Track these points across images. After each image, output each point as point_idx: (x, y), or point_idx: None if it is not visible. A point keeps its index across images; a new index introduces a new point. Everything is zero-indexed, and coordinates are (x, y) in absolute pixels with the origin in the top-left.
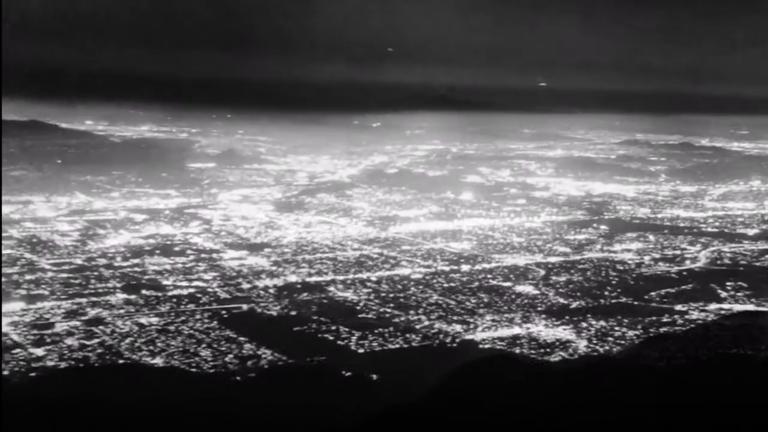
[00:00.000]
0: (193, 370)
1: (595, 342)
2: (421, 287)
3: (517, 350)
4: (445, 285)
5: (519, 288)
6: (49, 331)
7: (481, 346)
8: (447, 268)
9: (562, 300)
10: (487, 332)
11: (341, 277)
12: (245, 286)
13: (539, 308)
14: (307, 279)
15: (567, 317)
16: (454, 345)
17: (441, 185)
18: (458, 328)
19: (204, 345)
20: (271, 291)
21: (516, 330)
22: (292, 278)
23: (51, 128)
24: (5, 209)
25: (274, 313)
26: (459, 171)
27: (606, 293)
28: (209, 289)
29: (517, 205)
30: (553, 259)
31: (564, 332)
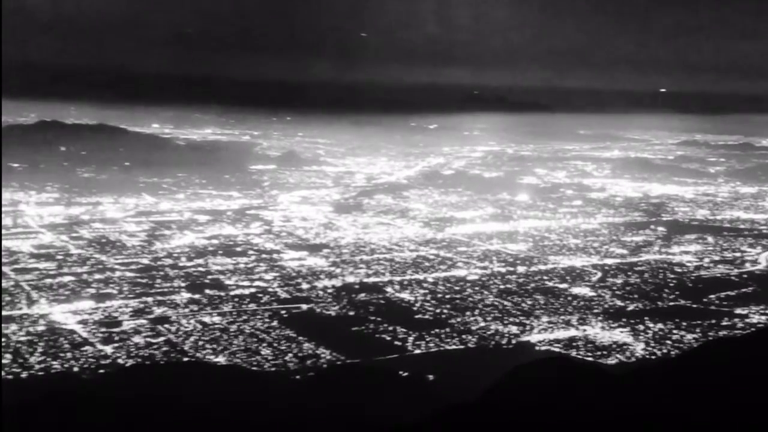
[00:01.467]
0: (254, 368)
1: (652, 345)
2: (477, 288)
3: (574, 352)
4: (501, 286)
5: (575, 290)
6: (117, 329)
7: (537, 347)
8: (503, 270)
9: (619, 302)
10: (543, 334)
11: (398, 278)
12: (305, 286)
13: (596, 310)
14: (365, 279)
15: (624, 320)
16: (510, 346)
17: (497, 186)
18: (514, 329)
19: (265, 344)
20: (330, 291)
21: (572, 332)
22: (350, 279)
23: (119, 131)
24: (76, 210)
25: (333, 313)
26: (515, 172)
27: (664, 296)
28: (270, 289)
29: (574, 207)
30: (609, 261)
31: (621, 335)
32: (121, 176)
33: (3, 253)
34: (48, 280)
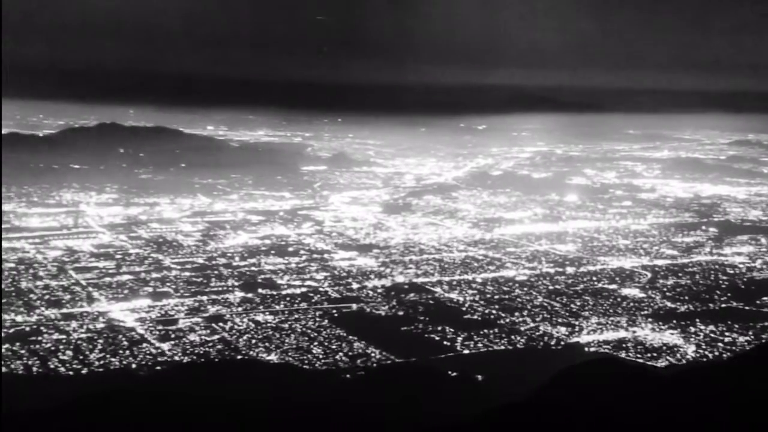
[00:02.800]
0: (306, 367)
1: (704, 347)
2: (525, 289)
3: (623, 354)
4: (550, 287)
5: (625, 291)
6: (173, 327)
7: (586, 349)
8: (552, 270)
9: (669, 304)
10: (592, 335)
11: (447, 279)
12: (355, 286)
13: (645, 312)
14: (414, 280)
15: (674, 321)
16: (559, 347)
17: (546, 187)
18: (563, 330)
19: (316, 343)
20: (380, 291)
21: (622, 333)
22: (400, 279)
23: (175, 133)
24: (135, 210)
25: (383, 313)
26: (564, 173)
27: (716, 297)
28: (321, 289)
29: (623, 207)
30: (660, 262)
31: (671, 337)
32: (177, 177)
33: (65, 251)
34: (107, 279)
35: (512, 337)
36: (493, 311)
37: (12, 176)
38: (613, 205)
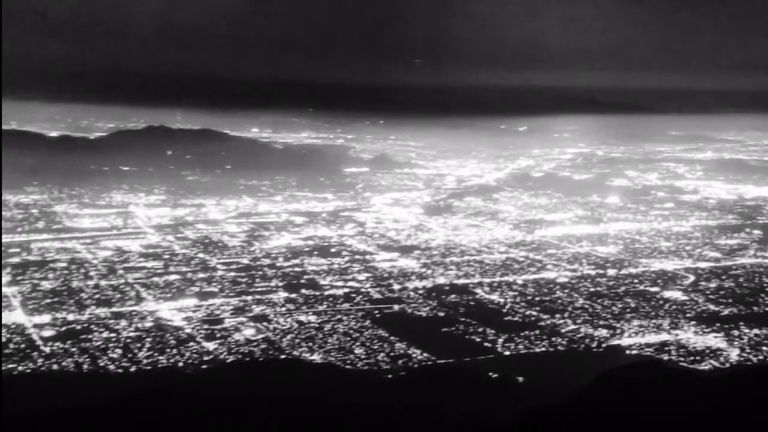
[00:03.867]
0: (348, 367)
1: (748, 351)
2: (566, 291)
3: (665, 357)
4: (591, 289)
5: (667, 293)
6: (218, 326)
7: (627, 351)
8: (593, 272)
9: (712, 306)
10: (633, 338)
11: (488, 280)
12: (396, 287)
13: (688, 314)
14: (455, 281)
15: (718, 324)
16: (600, 350)
17: (587, 188)
18: (604, 332)
19: (358, 343)
20: (421, 292)
21: (664, 336)
22: (441, 280)
23: (221, 136)
24: (181, 211)
25: (424, 314)
26: (605, 174)
27: (760, 301)
28: (363, 290)
29: (665, 209)
30: (703, 265)
31: (714, 340)
32: (223, 179)
33: (115, 251)
34: (155, 279)
35: (553, 339)
36: (534, 313)
37: (63, 178)
38: (655, 206)
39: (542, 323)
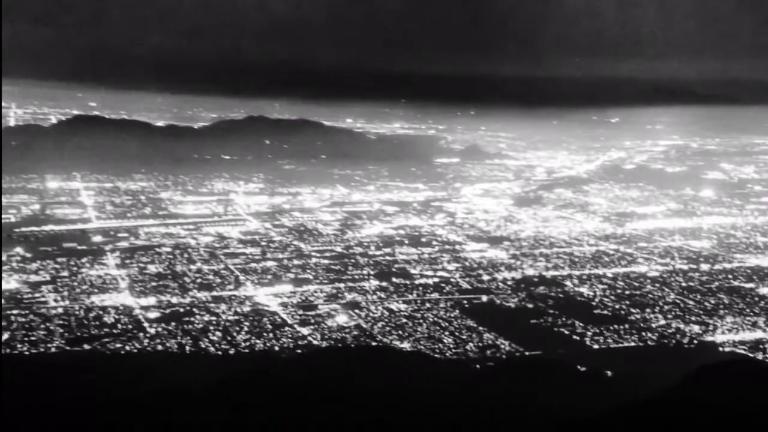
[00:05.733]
0: (437, 356)
1: None
2: (657, 285)
3: (760, 355)
4: (683, 284)
5: (763, 290)
6: (312, 312)
7: (720, 348)
8: (685, 267)
9: None
10: (727, 335)
11: (577, 272)
12: (485, 277)
13: None
14: (544, 273)
15: None
16: (692, 346)
17: (680, 181)
18: (696, 328)
19: (447, 333)
20: (510, 283)
21: (759, 334)
22: (530, 272)
23: (317, 126)
24: (279, 199)
25: (512, 305)
26: (699, 167)
27: None
28: (452, 279)
29: (762, 203)
30: None
31: None
32: (318, 168)
33: (216, 237)
34: (253, 265)
35: (643, 333)
36: (624, 307)
37: (169, 166)
38: (751, 200)
39: (632, 317)
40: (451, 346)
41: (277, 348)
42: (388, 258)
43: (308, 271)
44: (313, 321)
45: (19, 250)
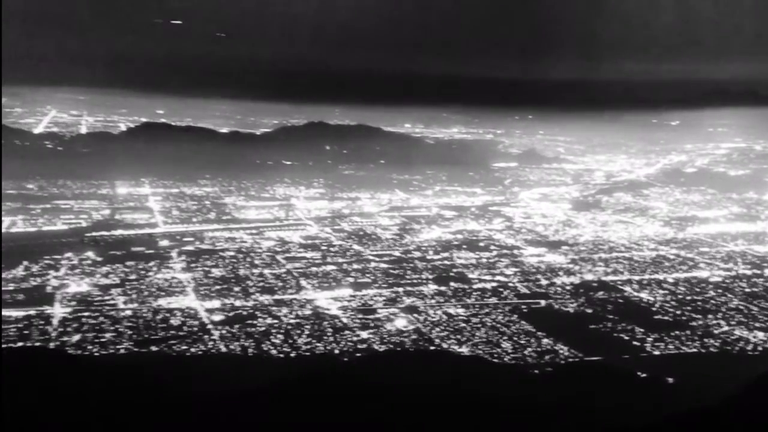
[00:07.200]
0: (495, 360)
1: None
2: (720, 291)
3: None
4: (747, 290)
5: None
6: (371, 316)
7: None
8: (749, 272)
9: None
10: None
11: (637, 277)
12: (543, 282)
13: None
14: (603, 278)
15: None
16: (756, 353)
17: (743, 185)
18: (761, 335)
19: (505, 337)
20: (568, 288)
21: None
22: (589, 276)
23: (375, 131)
24: (338, 204)
25: (571, 310)
26: (763, 170)
27: None
28: (510, 284)
29: None
30: None
31: None
32: (377, 173)
33: (278, 242)
34: (314, 269)
35: (705, 340)
36: (685, 312)
37: (233, 171)
38: None
39: (694, 323)
40: (509, 350)
41: (337, 351)
42: (446, 262)
43: (367, 275)
44: (372, 325)
45: (90, 254)
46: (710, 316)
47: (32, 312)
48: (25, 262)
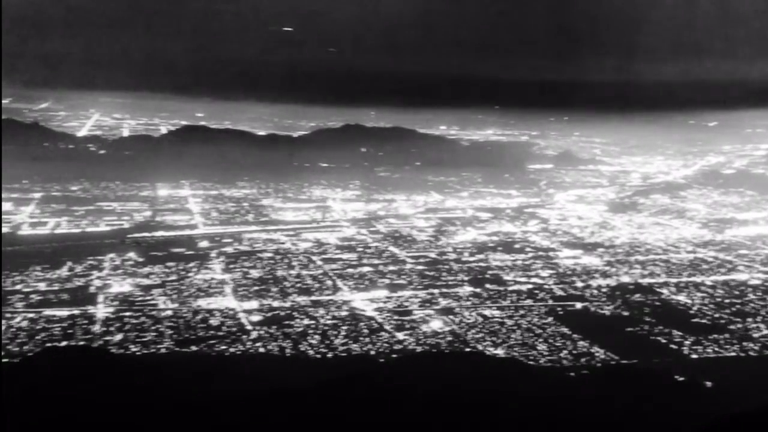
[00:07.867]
0: (531, 363)
1: None
2: (759, 294)
3: None
4: None
5: None
6: (407, 318)
7: None
8: None
9: None
10: None
11: (674, 280)
12: (579, 284)
13: None
14: (640, 280)
15: None
16: None
17: None
18: None
19: (540, 339)
20: (604, 291)
21: None
22: (625, 279)
23: (410, 133)
24: (374, 206)
25: (607, 313)
26: None
27: None
28: (546, 286)
29: None
30: None
31: None
32: (412, 175)
33: (314, 243)
34: (350, 270)
35: (744, 343)
36: (724, 316)
37: (270, 174)
38: None
39: (732, 327)
40: (545, 353)
41: (373, 352)
42: (481, 264)
43: (403, 276)
44: (408, 326)
45: (132, 254)
46: (749, 319)
47: (76, 311)
48: (70, 263)
